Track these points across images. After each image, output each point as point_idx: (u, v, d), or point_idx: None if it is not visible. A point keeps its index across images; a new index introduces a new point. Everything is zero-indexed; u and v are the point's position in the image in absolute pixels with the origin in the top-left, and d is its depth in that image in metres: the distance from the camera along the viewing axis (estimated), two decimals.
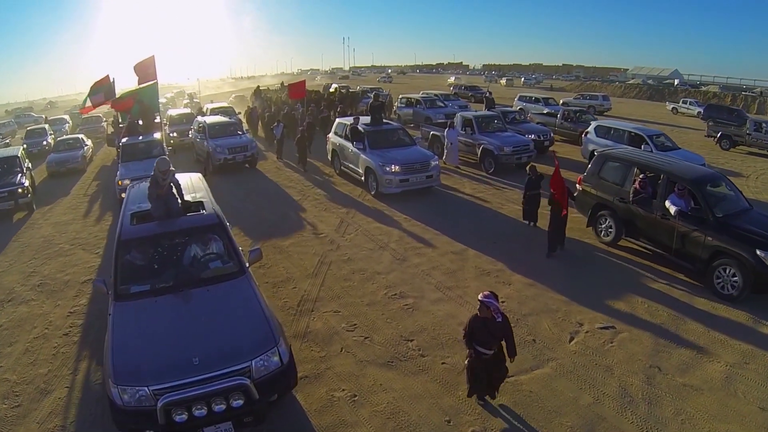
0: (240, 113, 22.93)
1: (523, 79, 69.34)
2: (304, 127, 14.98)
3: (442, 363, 5.41)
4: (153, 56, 14.81)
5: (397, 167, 11.05)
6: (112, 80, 15.27)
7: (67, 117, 29.87)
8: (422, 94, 26.27)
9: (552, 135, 16.60)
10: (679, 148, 13.13)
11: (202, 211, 5.95)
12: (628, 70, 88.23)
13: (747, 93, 46.85)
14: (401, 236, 9.15)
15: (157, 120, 15.98)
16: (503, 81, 64.76)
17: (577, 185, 9.05)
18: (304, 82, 20.14)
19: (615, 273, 7.53)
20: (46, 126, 23.60)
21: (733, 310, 6.38)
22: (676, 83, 60.21)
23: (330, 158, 14.29)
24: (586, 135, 14.43)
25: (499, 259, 8.00)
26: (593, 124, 14.77)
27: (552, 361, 5.37)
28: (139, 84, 14.71)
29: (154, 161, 12.03)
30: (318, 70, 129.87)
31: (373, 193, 11.55)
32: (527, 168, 9.51)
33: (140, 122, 14.88)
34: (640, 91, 52.72)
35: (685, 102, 34.51)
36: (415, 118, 22.14)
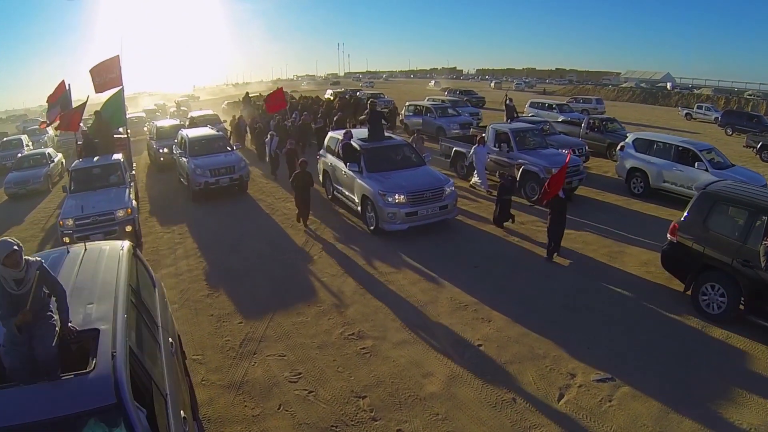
0: (225, 121, 20.30)
1: (515, 82, 68.59)
2: (293, 146, 12.30)
3: (398, 430, 4.33)
4: (117, 56, 12.27)
5: (402, 196, 8.68)
6: (67, 87, 13.28)
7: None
8: (428, 100, 24.16)
9: (587, 149, 14.38)
10: (734, 165, 11.18)
11: (87, 370, 2.58)
12: (621, 73, 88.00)
13: (752, 96, 46.04)
14: (369, 259, 8.06)
15: (120, 135, 13.26)
16: (492, 84, 64.25)
17: (669, 236, 6.56)
18: (280, 90, 17.71)
19: (614, 306, 6.42)
20: (24, 137, 21.69)
21: (754, 357, 5.33)
22: (668, 86, 59.92)
23: (321, 179, 11.77)
24: (622, 149, 12.15)
25: (479, 287, 6.89)
26: (631, 136, 12.48)
27: (536, 428, 4.28)
28: (97, 92, 12.51)
29: (111, 192, 9.56)
30: (314, 76, 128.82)
31: (371, 228, 9.18)
32: (497, 174, 9.68)
33: (108, 137, 12.34)
34: (633, 94, 52.40)
35: (700, 107, 32.63)
36: (425, 129, 19.50)
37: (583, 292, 6.75)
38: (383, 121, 11.81)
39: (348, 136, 10.48)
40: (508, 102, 17.76)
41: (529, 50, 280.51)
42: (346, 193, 10.37)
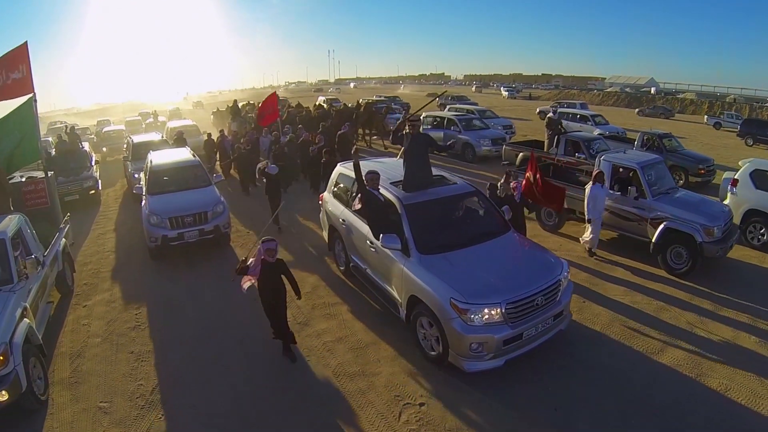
0: (204, 134, 16.16)
1: (503, 88, 68.67)
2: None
3: None
4: (25, 44, 7.90)
5: (497, 309, 4.64)
6: None
7: None
8: (448, 109, 21.88)
9: None
10: None
11: None
12: (605, 78, 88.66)
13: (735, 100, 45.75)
14: (314, 287, 7.21)
15: (35, 174, 8.49)
16: (473, 88, 64.39)
17: None
18: (274, 96, 14.97)
19: (595, 353, 5.66)
20: None
21: None
22: (652, 91, 60.27)
23: (326, 237, 7.99)
24: (734, 184, 8.89)
25: None
26: (747, 165, 9.00)
27: None
28: None
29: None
30: (305, 82, 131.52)
31: (433, 354, 5.08)
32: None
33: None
34: (618, 98, 52.60)
35: (730, 116, 29.71)
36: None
37: (576, 343, 5.80)
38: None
39: (373, 180, 5.99)
40: (552, 114, 13.15)
41: (515, 56, 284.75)
42: (374, 278, 6.17)
